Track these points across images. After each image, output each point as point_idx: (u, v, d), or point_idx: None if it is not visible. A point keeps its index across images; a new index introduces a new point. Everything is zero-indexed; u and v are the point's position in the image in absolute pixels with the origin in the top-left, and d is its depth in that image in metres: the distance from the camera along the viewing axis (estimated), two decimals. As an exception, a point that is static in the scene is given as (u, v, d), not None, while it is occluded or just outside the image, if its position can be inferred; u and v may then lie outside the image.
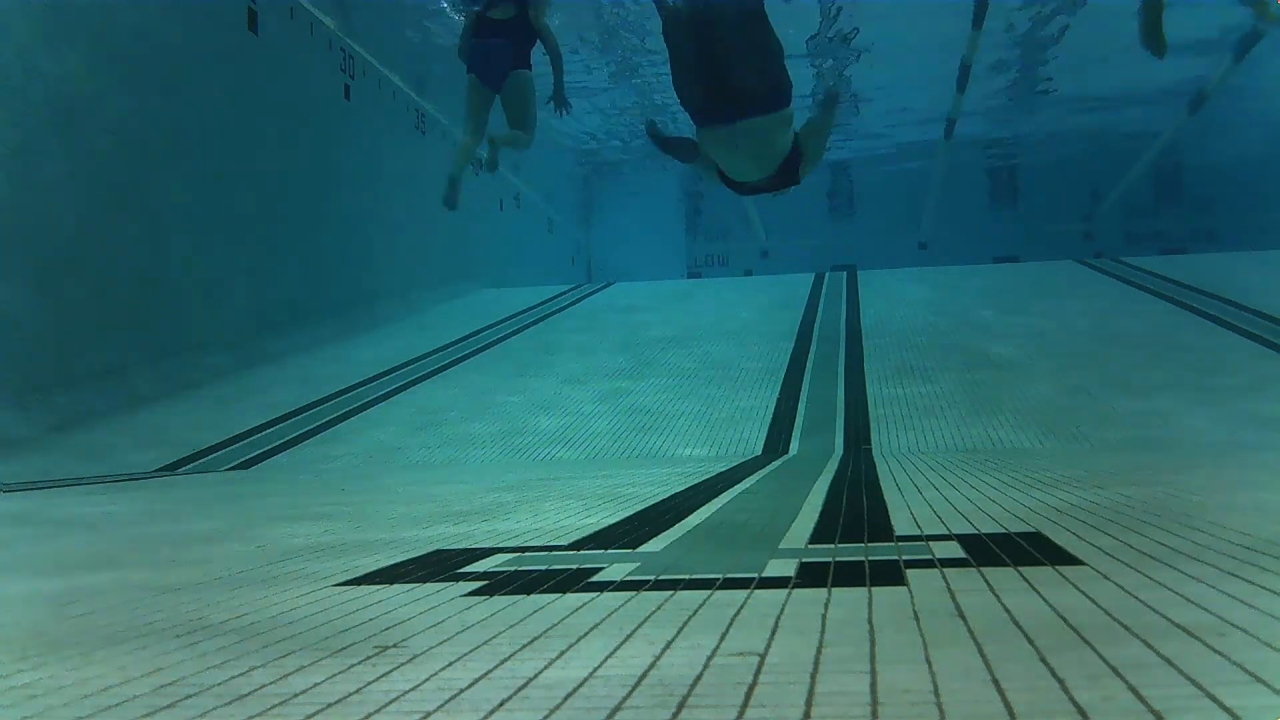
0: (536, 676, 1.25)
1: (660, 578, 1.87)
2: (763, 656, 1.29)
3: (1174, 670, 1.16)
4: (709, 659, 1.29)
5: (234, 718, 1.13)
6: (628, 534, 2.49)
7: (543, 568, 2.03)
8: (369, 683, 1.25)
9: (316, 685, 1.25)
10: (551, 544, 2.37)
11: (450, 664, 1.32)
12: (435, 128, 12.50)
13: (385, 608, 1.71)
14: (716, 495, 3.30)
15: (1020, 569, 1.82)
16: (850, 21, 13.14)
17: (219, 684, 1.27)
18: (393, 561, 2.21)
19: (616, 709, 1.10)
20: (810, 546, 2.19)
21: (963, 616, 1.47)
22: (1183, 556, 1.87)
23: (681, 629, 1.46)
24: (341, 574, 2.07)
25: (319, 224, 9.60)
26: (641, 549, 2.24)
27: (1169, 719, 1.00)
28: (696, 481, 3.79)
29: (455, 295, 11.85)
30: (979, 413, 5.77)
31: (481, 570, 2.04)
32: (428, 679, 1.25)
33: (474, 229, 13.99)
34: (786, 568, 1.92)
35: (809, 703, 1.10)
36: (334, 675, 1.29)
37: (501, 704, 1.14)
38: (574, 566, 2.03)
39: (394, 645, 1.43)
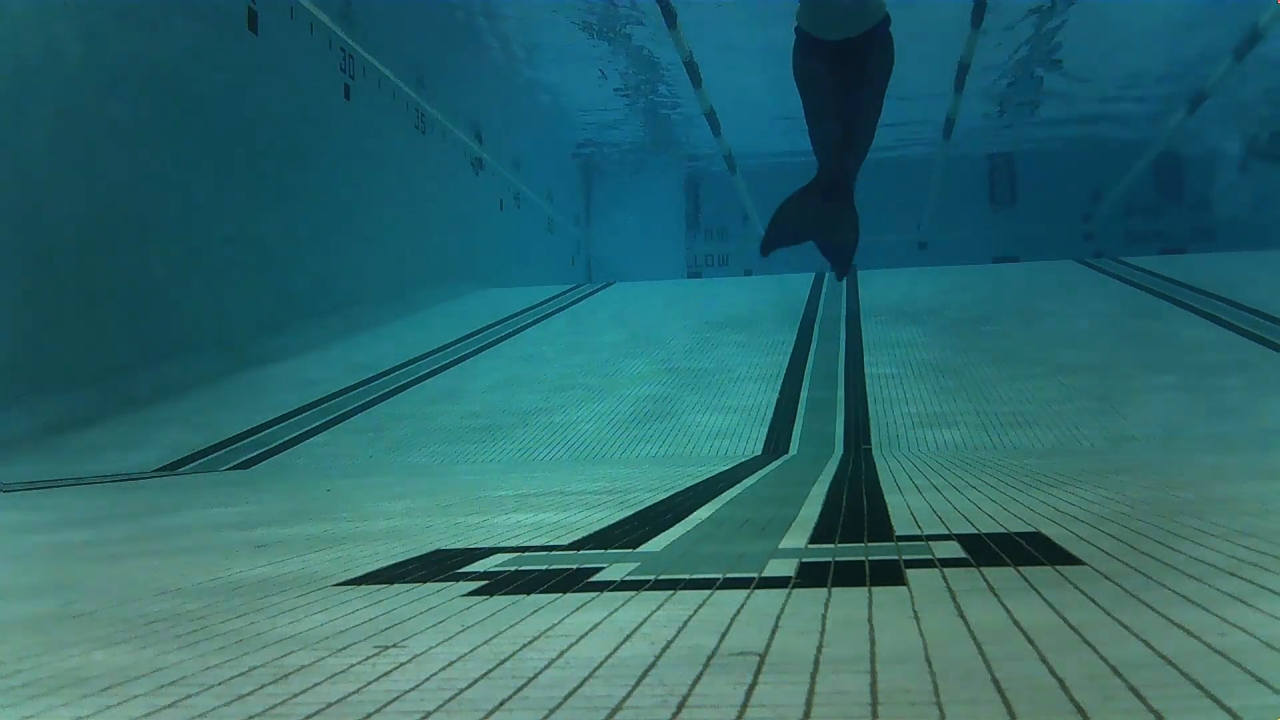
0: (536, 676, 1.25)
1: (660, 578, 1.87)
2: (763, 656, 1.29)
3: (1174, 670, 1.16)
4: (709, 659, 1.29)
5: (234, 718, 1.13)
6: (628, 534, 2.49)
7: (543, 568, 2.03)
8: (369, 683, 1.25)
9: (316, 685, 1.25)
10: (551, 544, 2.37)
11: (450, 664, 1.32)
12: (435, 127, 12.49)
13: (385, 608, 1.71)
14: (716, 495, 3.30)
15: (1020, 569, 1.82)
16: None
17: (219, 684, 1.27)
18: (393, 561, 2.21)
19: (616, 709, 1.10)
20: (810, 546, 2.19)
21: (963, 616, 1.47)
22: (1183, 556, 1.87)
23: (681, 629, 1.46)
24: (341, 574, 2.07)
25: (320, 224, 9.60)
26: (641, 549, 2.24)
27: (1169, 719, 1.00)
28: (696, 481, 3.79)
29: (455, 295, 11.85)
30: (979, 413, 5.77)
31: (481, 570, 2.04)
32: (428, 679, 1.25)
33: (474, 229, 13.99)
34: (786, 568, 1.92)
35: (809, 703, 1.10)
36: (334, 675, 1.29)
37: (501, 704, 1.14)
38: (574, 566, 2.03)
39: (394, 645, 1.43)
